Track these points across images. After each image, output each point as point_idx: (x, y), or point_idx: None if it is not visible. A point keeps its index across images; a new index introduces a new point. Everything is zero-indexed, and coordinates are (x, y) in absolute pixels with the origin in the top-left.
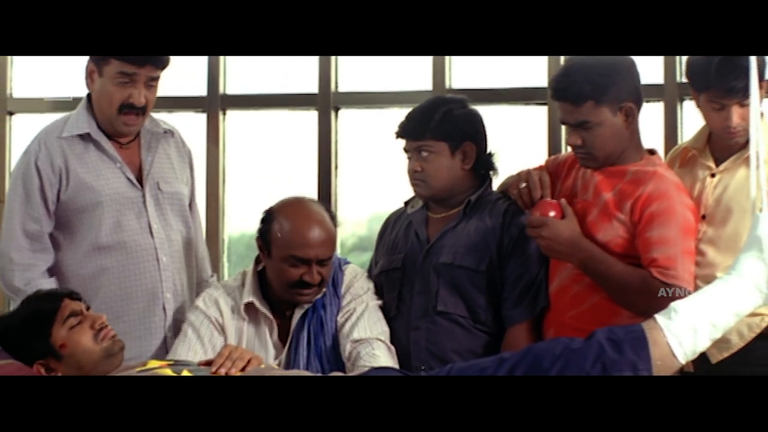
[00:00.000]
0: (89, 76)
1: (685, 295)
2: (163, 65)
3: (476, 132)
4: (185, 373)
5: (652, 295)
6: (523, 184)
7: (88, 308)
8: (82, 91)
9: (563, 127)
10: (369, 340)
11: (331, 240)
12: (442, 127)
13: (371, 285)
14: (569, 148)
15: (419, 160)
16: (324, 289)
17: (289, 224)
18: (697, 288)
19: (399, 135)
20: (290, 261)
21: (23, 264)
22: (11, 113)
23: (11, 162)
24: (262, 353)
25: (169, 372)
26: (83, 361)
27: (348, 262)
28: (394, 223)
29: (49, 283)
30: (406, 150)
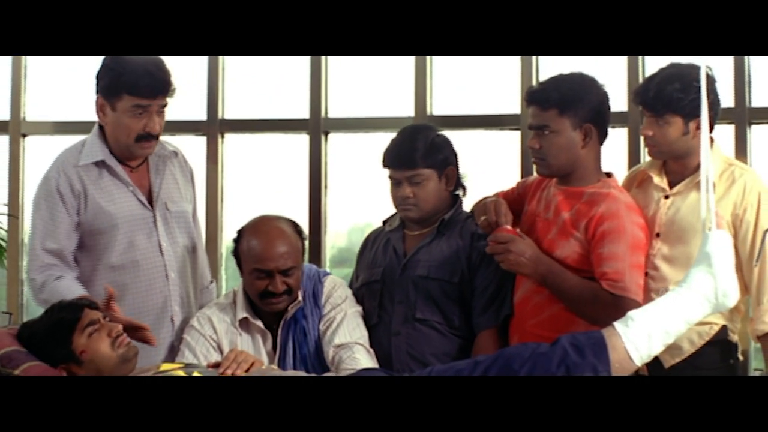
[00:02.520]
0: (100, 110)
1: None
2: (171, 93)
3: (455, 156)
4: (196, 374)
5: (603, 305)
6: (483, 217)
7: (105, 317)
8: (89, 115)
9: None
10: (349, 345)
11: (291, 252)
12: (431, 155)
13: (349, 293)
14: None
15: (411, 187)
16: (297, 297)
17: (252, 240)
18: (651, 300)
19: (387, 165)
20: (255, 273)
21: (44, 278)
22: (24, 135)
23: (24, 179)
24: (262, 354)
25: (181, 373)
26: (101, 366)
27: (328, 274)
28: (373, 240)
29: (68, 283)
30: (394, 178)
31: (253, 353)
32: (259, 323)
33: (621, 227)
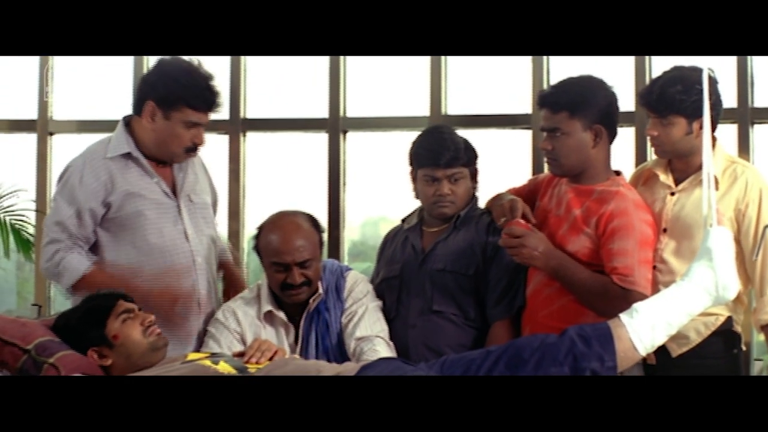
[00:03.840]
0: (150, 115)
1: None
2: (219, 109)
3: (478, 155)
4: (222, 363)
5: (612, 298)
6: (503, 219)
7: (139, 309)
8: (114, 114)
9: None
10: (370, 338)
11: (307, 245)
12: (466, 154)
13: (370, 288)
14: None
15: (451, 184)
16: (318, 289)
17: (270, 235)
18: (658, 292)
19: (432, 164)
20: (274, 267)
21: (53, 249)
22: (51, 133)
23: (51, 177)
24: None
25: (208, 363)
26: (132, 351)
27: (349, 269)
28: (392, 238)
29: (79, 258)
30: (431, 176)
31: (276, 345)
32: (283, 316)
33: (630, 224)
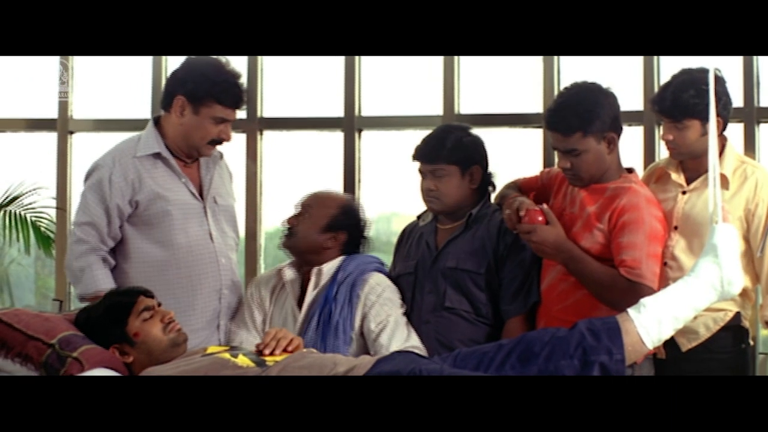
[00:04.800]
0: (180, 109)
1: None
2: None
3: (482, 156)
4: (241, 356)
5: (620, 290)
6: (507, 211)
7: (159, 304)
8: (133, 113)
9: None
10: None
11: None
12: (455, 153)
13: (397, 297)
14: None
15: (434, 180)
16: (322, 266)
17: None
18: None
19: (415, 158)
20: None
21: (81, 253)
22: (71, 132)
23: (71, 174)
24: (290, 318)
25: (227, 356)
26: (152, 348)
27: (376, 271)
28: (408, 235)
29: (104, 274)
30: (421, 171)
31: (287, 310)
32: (293, 274)
33: (640, 219)
